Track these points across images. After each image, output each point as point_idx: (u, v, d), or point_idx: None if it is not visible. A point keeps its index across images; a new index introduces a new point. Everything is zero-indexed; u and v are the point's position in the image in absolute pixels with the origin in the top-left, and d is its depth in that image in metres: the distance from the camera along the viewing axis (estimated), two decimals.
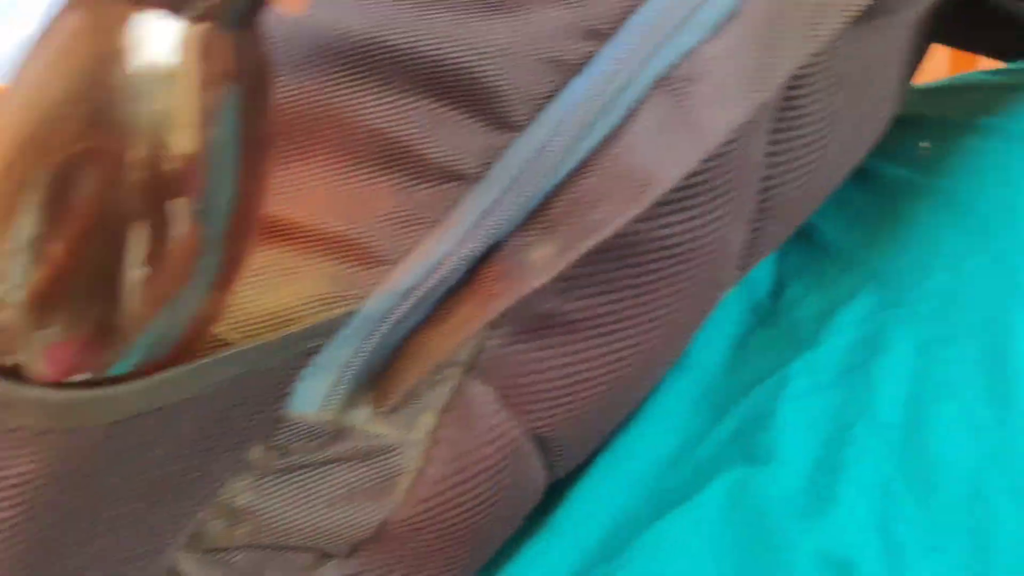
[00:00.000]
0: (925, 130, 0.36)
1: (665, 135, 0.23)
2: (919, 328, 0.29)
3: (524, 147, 0.23)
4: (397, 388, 0.23)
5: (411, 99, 0.22)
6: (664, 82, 0.23)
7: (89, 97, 0.16)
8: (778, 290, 0.34)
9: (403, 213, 0.23)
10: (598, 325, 0.26)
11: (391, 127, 0.22)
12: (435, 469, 0.25)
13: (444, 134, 0.22)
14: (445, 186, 0.23)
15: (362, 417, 0.24)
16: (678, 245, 0.26)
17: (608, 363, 0.26)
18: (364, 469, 0.24)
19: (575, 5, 0.23)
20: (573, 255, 0.22)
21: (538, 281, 0.22)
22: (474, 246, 0.23)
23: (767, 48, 0.24)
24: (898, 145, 0.35)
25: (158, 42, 0.16)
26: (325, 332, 0.22)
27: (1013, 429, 0.26)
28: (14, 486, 0.18)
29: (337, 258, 0.22)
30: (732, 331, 0.33)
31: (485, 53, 0.22)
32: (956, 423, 0.27)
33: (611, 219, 0.22)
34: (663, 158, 0.23)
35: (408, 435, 0.25)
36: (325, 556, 0.26)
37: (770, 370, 0.30)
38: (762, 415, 0.29)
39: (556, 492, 0.30)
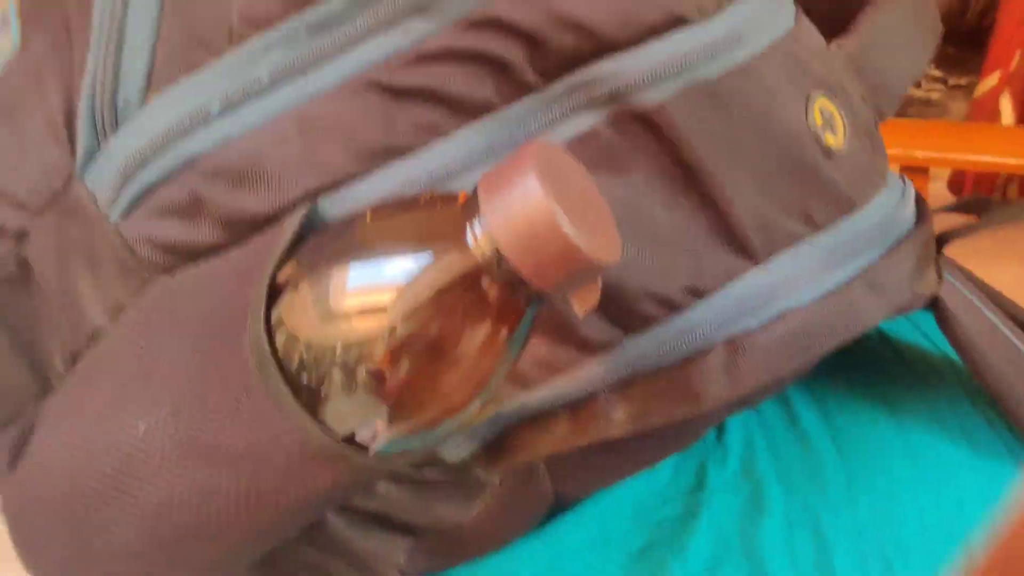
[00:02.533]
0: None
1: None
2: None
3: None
4: (506, 463, 0.33)
5: None
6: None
7: None
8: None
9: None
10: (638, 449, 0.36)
11: None
12: (489, 505, 0.35)
13: None
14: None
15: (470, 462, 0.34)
16: None
17: (640, 464, 0.38)
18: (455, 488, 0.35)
19: None
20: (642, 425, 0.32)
21: (617, 433, 0.32)
22: (592, 389, 0.32)
23: None
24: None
25: None
26: None
27: None
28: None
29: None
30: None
31: None
32: None
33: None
34: None
35: (488, 476, 0.35)
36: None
37: None
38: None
39: None
